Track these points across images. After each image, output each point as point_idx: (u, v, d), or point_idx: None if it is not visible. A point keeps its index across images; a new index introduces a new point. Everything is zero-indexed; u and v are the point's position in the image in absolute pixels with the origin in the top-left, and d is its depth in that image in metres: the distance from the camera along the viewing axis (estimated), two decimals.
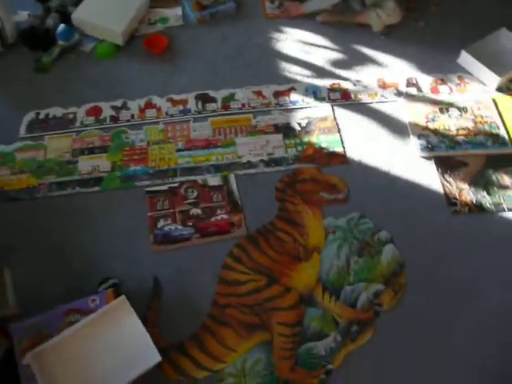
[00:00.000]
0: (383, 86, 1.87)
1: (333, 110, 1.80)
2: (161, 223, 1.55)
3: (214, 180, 1.63)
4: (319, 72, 1.91)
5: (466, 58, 1.91)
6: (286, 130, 1.74)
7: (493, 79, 1.84)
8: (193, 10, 2.04)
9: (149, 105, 1.80)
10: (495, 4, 2.14)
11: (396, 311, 1.41)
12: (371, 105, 1.82)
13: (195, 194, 1.60)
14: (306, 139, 1.72)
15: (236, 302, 1.43)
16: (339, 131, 1.75)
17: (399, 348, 1.35)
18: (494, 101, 1.84)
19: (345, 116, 1.79)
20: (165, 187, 1.61)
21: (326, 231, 1.54)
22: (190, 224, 1.55)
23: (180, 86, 1.86)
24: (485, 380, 1.32)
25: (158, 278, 1.46)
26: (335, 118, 1.78)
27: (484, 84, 1.88)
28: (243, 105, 1.81)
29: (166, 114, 1.78)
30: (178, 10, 2.08)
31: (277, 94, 1.83)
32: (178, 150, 1.69)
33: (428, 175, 1.66)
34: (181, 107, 1.80)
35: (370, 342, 1.37)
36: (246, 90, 1.84)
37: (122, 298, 1.33)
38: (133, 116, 1.77)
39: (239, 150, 1.70)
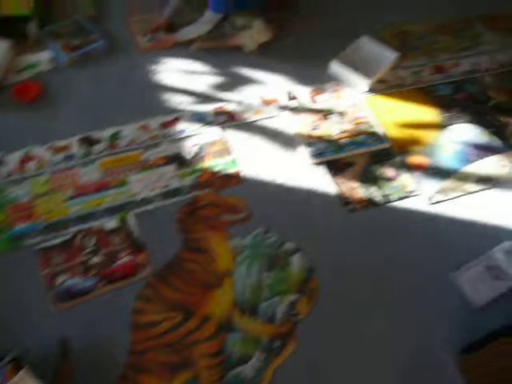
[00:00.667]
0: (266, 102, 1.94)
1: (221, 132, 1.82)
2: (60, 279, 1.44)
3: (110, 223, 1.56)
4: (203, 98, 1.93)
5: (337, 67, 2.04)
6: (178, 160, 1.73)
7: (363, 83, 1.99)
8: (62, 52, 1.97)
9: (28, 156, 1.69)
10: (355, 14, 2.33)
11: (313, 316, 1.45)
12: (257, 122, 1.88)
13: (93, 241, 1.52)
14: (199, 166, 1.72)
15: (155, 345, 1.37)
16: (231, 152, 1.77)
17: (324, 350, 1.39)
18: (367, 102, 1.99)
19: (234, 137, 1.82)
20: (58, 241, 1.51)
21: (234, 252, 1.54)
22: (93, 274, 1.46)
23: (60, 131, 1.77)
24: (403, 369, 1.40)
25: (64, 339, 1.35)
26: (225, 141, 1.80)
27: (357, 88, 2.03)
28: (131, 141, 1.77)
29: (49, 163, 1.68)
30: (47, 54, 1.99)
31: (164, 126, 1.82)
32: (67, 199, 1.60)
33: (322, 180, 1.74)
34: (64, 154, 1.71)
35: (294, 353, 1.39)
36: (131, 126, 1.80)
37: (25, 371, 1.21)
38: (11, 171, 1.65)
39: (133, 187, 1.65)
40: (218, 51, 2.09)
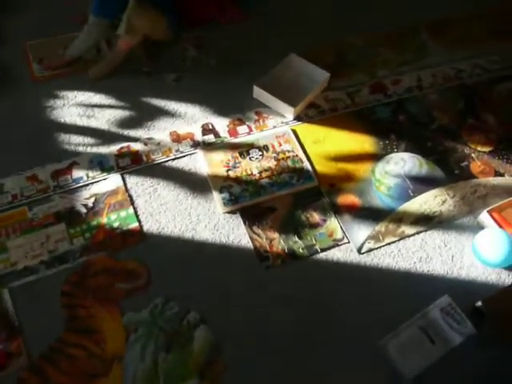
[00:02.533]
0: (177, 139, 1.71)
1: (123, 179, 1.59)
2: None
3: None
4: (105, 137, 1.69)
5: (259, 93, 1.81)
6: (70, 217, 1.50)
7: (289, 110, 1.76)
8: None
9: None
10: (282, 30, 2.09)
11: None
12: (166, 163, 1.64)
13: None
14: (94, 222, 1.49)
15: None
16: (133, 204, 1.54)
17: None
18: (293, 131, 1.76)
19: (138, 184, 1.59)
20: None
21: (127, 331, 1.32)
22: None
23: None
24: None
25: None
26: (127, 189, 1.57)
27: (282, 115, 1.81)
28: (14, 196, 1.53)
29: None
30: None
31: (56, 174, 1.58)
32: None
33: (235, 232, 1.52)
34: None
35: None
36: (16, 178, 1.56)
37: None
38: None
39: (12, 255, 1.42)
40: (122, 77, 1.84)
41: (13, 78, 1.81)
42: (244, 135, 1.74)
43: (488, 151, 1.79)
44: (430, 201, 1.64)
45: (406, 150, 1.76)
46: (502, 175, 1.73)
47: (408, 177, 1.68)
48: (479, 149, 1.79)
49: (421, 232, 1.57)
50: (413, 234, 1.56)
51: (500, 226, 1.54)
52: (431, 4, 2.25)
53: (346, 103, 1.86)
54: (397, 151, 1.75)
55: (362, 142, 1.76)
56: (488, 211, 1.57)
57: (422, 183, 1.68)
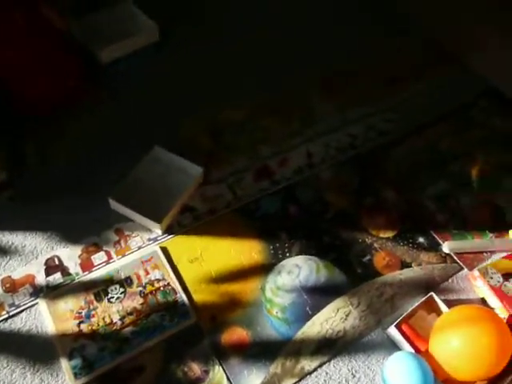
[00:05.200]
0: (12, 287, 1.34)
1: None
2: None
3: None
4: None
5: (116, 205, 1.48)
6: None
7: (155, 224, 1.45)
8: None
9: None
10: (146, 113, 1.77)
11: None
12: None
13: None
14: None
15: None
16: None
17: None
18: (164, 250, 1.45)
19: None
20: None
21: None
22: None
23: None
24: None
25: None
26: None
27: (149, 232, 1.49)
28: None
29: None
30: None
31: None
32: None
33: None
34: None
35: None
36: None
37: None
38: None
39: None
40: None
41: None
42: (102, 266, 1.40)
43: (392, 236, 1.57)
44: (332, 317, 1.38)
45: (299, 252, 1.50)
46: (408, 265, 1.51)
47: (305, 289, 1.42)
48: (382, 235, 1.57)
49: (324, 363, 1.31)
50: (315, 369, 1.30)
51: (410, 342, 1.32)
52: (317, 59, 2.01)
53: (227, 200, 1.57)
54: (289, 255, 1.49)
55: (248, 251, 1.48)
56: (396, 325, 1.34)
57: (321, 294, 1.42)
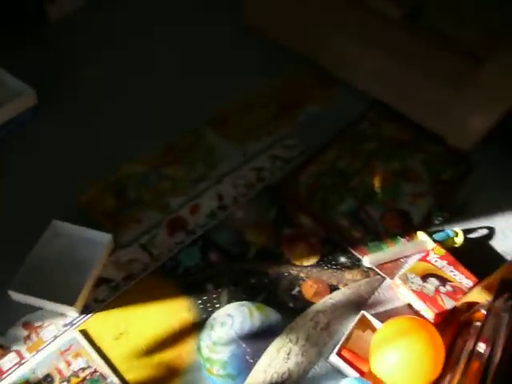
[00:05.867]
0: None
1: None
2: None
3: None
4: None
5: (19, 297, 1.32)
6: None
7: (67, 308, 1.31)
8: None
9: None
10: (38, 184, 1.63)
11: None
12: None
13: None
14: None
15: None
16: None
17: None
18: (84, 333, 1.32)
19: None
20: None
21: None
22: None
23: None
24: None
25: None
26: None
27: (64, 314, 1.35)
28: None
29: None
30: None
31: None
32: None
33: None
34: None
35: None
36: None
37: None
38: None
39: None
40: None
41: None
42: (13, 369, 1.24)
43: (315, 262, 1.59)
44: (275, 359, 1.35)
45: (229, 300, 1.45)
46: (336, 288, 1.54)
47: (242, 338, 1.38)
48: (306, 263, 1.58)
49: None
50: None
51: (353, 366, 1.33)
52: (209, 96, 2.00)
53: (143, 262, 1.48)
54: (220, 306, 1.44)
55: (176, 311, 1.40)
56: (336, 353, 1.35)
57: (259, 339, 1.39)
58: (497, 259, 1.73)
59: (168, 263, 1.50)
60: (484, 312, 1.31)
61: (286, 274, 1.54)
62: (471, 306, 1.45)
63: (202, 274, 1.49)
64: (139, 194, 1.65)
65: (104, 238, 1.45)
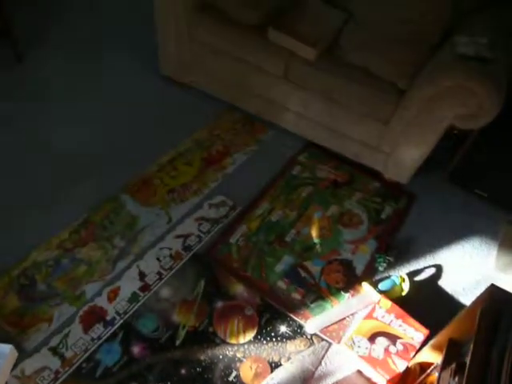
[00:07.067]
0: None
1: None
2: None
3: None
4: None
5: None
6: None
7: None
8: None
9: None
10: None
11: None
12: None
13: None
14: None
15: None
16: None
17: None
18: None
19: None
20: None
21: None
22: None
23: None
24: None
25: None
26: None
27: None
28: None
29: None
30: None
31: None
32: None
33: None
34: None
35: None
36: None
37: None
38: None
39: None
40: None
41: None
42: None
43: (253, 337, 1.44)
44: None
45: None
46: (278, 364, 1.39)
47: None
48: (242, 340, 1.43)
49: None
50: None
51: None
52: (126, 159, 1.84)
53: (53, 369, 1.28)
54: None
55: None
56: None
57: None
58: (447, 301, 1.63)
59: (84, 366, 1.31)
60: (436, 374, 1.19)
61: (221, 356, 1.38)
62: (423, 367, 1.33)
63: (124, 373, 1.31)
64: (49, 285, 1.46)
65: (4, 349, 1.25)
